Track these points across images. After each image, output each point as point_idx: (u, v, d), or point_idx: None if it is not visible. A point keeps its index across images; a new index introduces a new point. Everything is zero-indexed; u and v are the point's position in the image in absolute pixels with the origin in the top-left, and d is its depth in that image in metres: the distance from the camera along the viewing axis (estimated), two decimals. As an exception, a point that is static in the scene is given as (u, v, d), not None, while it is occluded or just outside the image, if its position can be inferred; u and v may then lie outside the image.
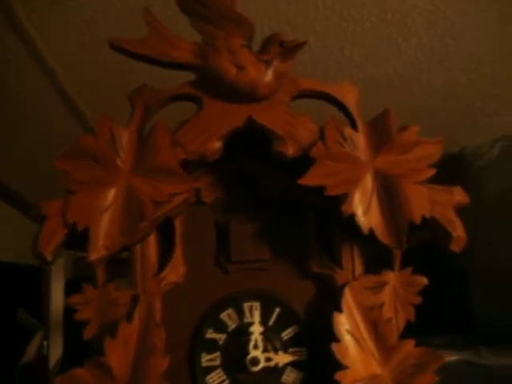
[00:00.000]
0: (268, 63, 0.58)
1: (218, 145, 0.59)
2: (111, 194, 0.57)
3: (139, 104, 0.60)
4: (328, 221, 0.65)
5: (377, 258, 0.66)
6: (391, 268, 0.64)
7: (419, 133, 0.60)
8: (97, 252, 0.56)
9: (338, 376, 0.57)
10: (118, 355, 0.56)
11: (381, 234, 0.58)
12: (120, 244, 0.58)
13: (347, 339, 0.59)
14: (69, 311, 0.58)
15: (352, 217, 0.57)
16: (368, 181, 0.59)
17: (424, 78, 1.55)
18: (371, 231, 0.58)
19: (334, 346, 0.58)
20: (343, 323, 0.59)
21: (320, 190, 0.58)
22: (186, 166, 0.59)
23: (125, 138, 0.59)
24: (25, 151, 1.76)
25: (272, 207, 0.67)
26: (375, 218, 0.58)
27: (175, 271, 0.63)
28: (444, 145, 0.60)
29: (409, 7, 1.24)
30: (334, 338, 0.59)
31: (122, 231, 0.56)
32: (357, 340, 0.59)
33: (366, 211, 0.58)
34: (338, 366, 0.58)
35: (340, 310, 0.58)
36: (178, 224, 0.64)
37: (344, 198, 0.58)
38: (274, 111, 0.60)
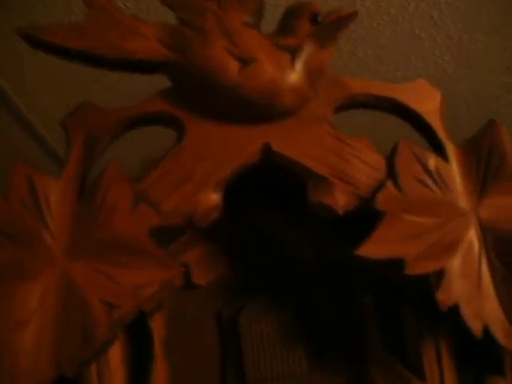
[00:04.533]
0: (294, 52, 0.33)
1: (214, 198, 0.34)
2: (35, 294, 0.33)
3: (78, 135, 0.35)
4: (396, 305, 0.40)
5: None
6: (498, 372, 0.40)
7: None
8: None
9: None
10: None
11: (501, 333, 0.34)
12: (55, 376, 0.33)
13: None
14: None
15: (454, 309, 0.33)
16: (473, 243, 0.35)
17: (447, 80, 1.33)
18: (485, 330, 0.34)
19: None
20: None
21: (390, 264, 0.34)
22: (162, 234, 0.34)
23: (55, 194, 0.34)
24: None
25: (306, 288, 0.42)
26: (489, 306, 0.35)
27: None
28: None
29: (437, -5, 1.01)
30: None
31: (57, 361, 0.32)
32: None
33: (475, 296, 0.34)
34: None
35: None
36: (156, 325, 0.40)
37: (437, 277, 0.33)
38: (309, 134, 0.35)
